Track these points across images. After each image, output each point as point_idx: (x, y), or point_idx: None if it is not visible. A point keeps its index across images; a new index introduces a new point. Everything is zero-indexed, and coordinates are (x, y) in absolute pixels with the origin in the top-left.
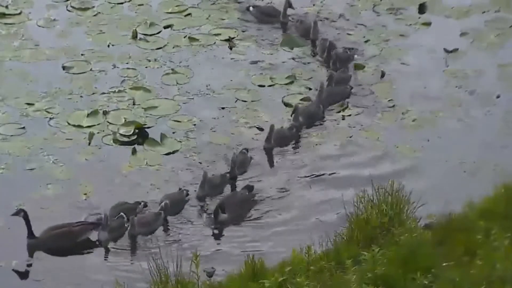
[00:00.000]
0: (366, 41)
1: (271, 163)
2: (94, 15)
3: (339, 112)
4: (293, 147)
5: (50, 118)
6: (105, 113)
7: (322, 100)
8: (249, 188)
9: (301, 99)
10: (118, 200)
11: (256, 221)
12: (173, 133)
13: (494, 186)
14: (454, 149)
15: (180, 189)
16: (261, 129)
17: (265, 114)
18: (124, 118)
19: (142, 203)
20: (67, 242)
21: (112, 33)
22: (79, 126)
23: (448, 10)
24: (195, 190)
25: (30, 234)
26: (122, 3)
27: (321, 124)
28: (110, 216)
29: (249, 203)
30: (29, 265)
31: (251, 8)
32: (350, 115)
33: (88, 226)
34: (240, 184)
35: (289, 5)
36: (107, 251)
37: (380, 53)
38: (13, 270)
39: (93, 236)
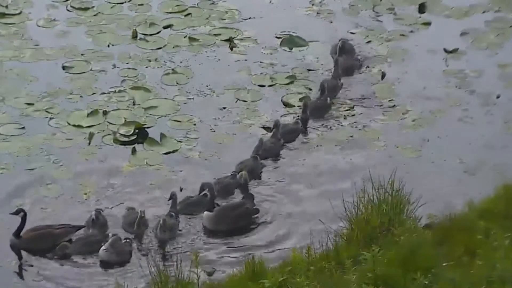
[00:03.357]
0: (367, 42)
1: (277, 158)
2: (94, 15)
3: (347, 110)
4: (304, 136)
5: (50, 118)
6: (105, 113)
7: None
8: (250, 197)
9: (300, 99)
10: (117, 200)
11: (256, 221)
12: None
13: (494, 186)
14: (454, 149)
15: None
16: (268, 129)
17: (265, 114)
18: (124, 118)
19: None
20: (47, 244)
21: (112, 33)
22: (79, 126)
23: (448, 10)
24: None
25: (17, 233)
26: (122, 3)
27: (321, 124)
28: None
29: (246, 216)
30: (28, 266)
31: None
32: (353, 115)
33: (69, 230)
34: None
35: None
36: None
37: (381, 53)
38: (12, 270)
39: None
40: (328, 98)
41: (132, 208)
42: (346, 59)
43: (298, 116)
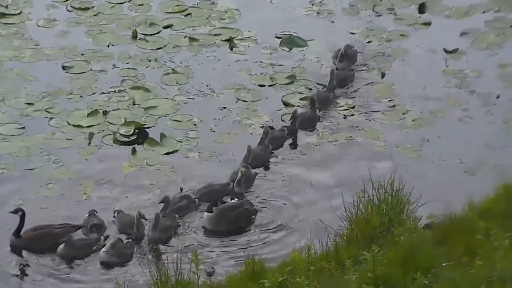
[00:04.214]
0: (367, 42)
1: (267, 166)
2: (94, 15)
3: (347, 110)
4: (293, 147)
5: (50, 118)
6: (105, 113)
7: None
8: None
9: (300, 99)
10: (117, 200)
11: (256, 221)
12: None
13: (494, 186)
14: (454, 149)
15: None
16: (271, 128)
17: (266, 114)
18: (124, 118)
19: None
20: (47, 243)
21: (112, 33)
22: (79, 126)
23: (448, 10)
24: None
25: (17, 232)
26: (122, 3)
27: (321, 124)
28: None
29: (245, 217)
30: (28, 266)
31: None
32: (352, 115)
33: (69, 229)
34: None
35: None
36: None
37: (380, 53)
38: (12, 270)
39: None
40: (317, 110)
41: (121, 211)
42: (341, 70)
43: (287, 124)
